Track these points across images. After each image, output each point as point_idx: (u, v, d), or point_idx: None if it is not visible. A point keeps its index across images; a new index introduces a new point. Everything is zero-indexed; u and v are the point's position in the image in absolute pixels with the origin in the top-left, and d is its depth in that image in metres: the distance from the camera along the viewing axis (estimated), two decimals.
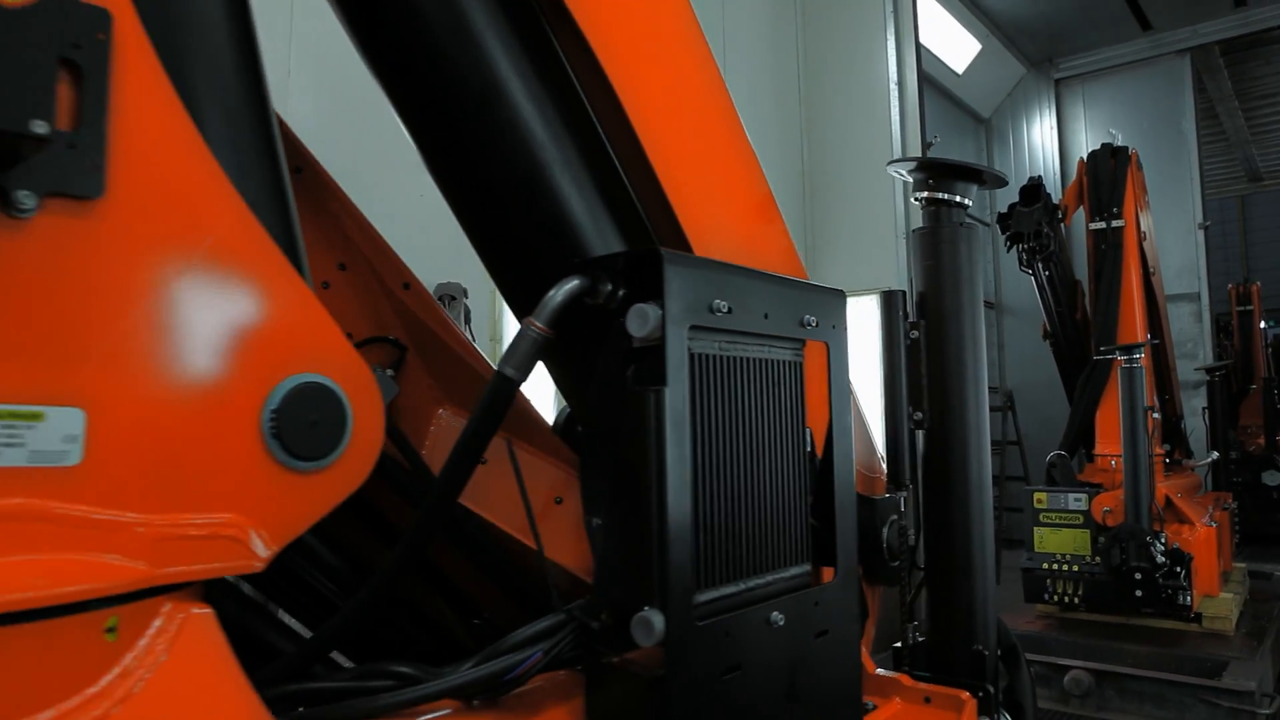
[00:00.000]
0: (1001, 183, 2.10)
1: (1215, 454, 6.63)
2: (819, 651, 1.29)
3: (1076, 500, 5.01)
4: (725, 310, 1.15)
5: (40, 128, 0.69)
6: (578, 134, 1.41)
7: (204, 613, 0.86)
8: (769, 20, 6.84)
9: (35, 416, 0.75)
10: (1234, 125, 12.79)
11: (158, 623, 0.82)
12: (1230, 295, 9.86)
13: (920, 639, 1.91)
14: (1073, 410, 5.56)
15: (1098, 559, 4.92)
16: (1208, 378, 7.93)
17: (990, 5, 9.19)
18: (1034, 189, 5.44)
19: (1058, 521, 5.08)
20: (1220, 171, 14.49)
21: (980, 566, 1.87)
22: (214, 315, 0.88)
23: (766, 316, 1.24)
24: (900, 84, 6.57)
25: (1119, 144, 5.97)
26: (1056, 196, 6.08)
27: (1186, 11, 9.36)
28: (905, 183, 6.57)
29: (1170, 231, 8.99)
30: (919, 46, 6.66)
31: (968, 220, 1.98)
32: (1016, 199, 5.67)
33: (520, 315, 1.49)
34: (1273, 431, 8.94)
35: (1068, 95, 10.48)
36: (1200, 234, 9.51)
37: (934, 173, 1.92)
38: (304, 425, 0.91)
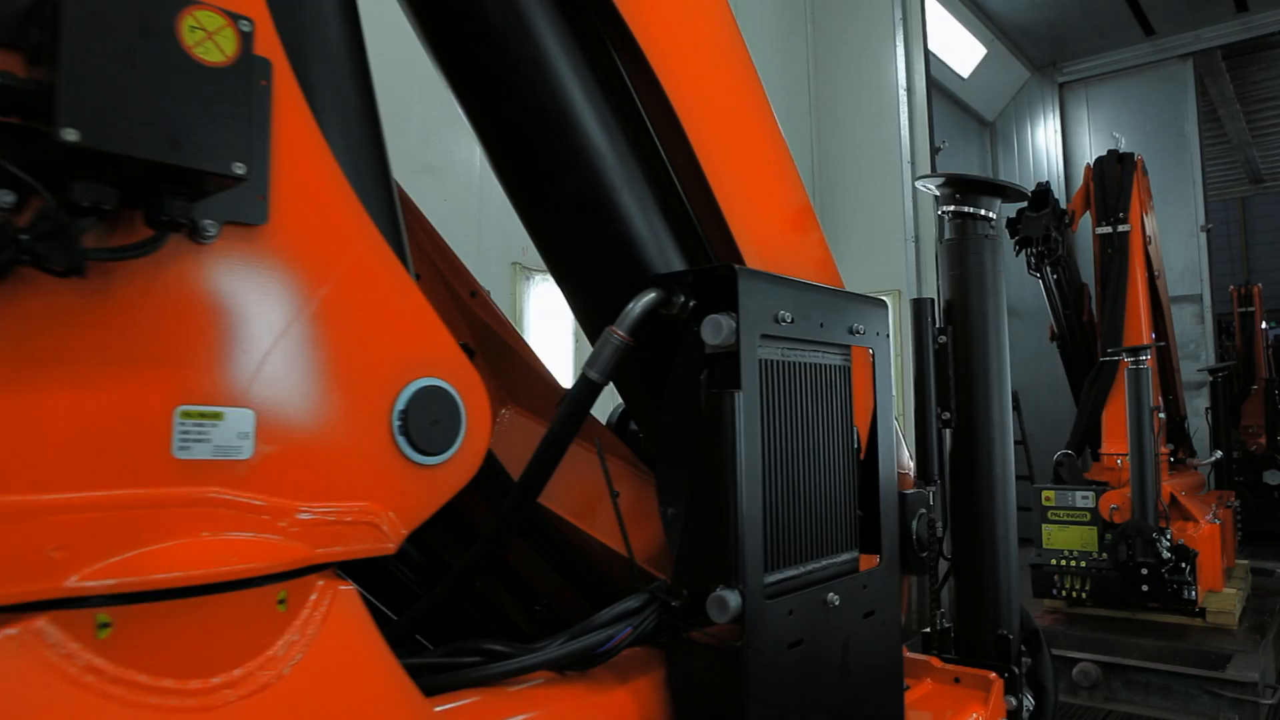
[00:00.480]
0: (1023, 197, 2.22)
1: (1219, 453, 6.76)
2: (867, 630, 1.41)
3: (1084, 498, 5.14)
4: (789, 320, 1.28)
5: (240, 169, 0.82)
6: (641, 156, 1.53)
7: (349, 588, 0.98)
8: (780, 26, 6.96)
9: (216, 416, 0.88)
10: (1235, 128, 12.92)
11: (314, 596, 0.94)
12: (1232, 297, 9.99)
13: (948, 625, 2.03)
14: (1079, 410, 5.68)
15: (1104, 555, 5.05)
16: (1210, 378, 8.05)
17: (995, 10, 9.31)
18: (1042, 194, 5.56)
19: (1065, 519, 5.21)
20: (1221, 173, 14.61)
21: (1004, 556, 1.99)
22: (353, 326, 1.00)
23: (822, 325, 1.37)
24: (909, 90, 6.69)
25: (1122, 148, 6.10)
26: (1061, 198, 6.20)
27: (1189, 17, 9.49)
28: (914, 186, 6.70)
29: (1173, 234, 9.11)
30: (927, 53, 6.79)
31: (991, 233, 2.10)
32: (1024, 204, 5.80)
33: (585, 324, 1.62)
34: (1274, 431, 9.07)
35: (1071, 99, 10.60)
36: (1203, 236, 9.63)
37: (960, 188, 2.05)
38: (427, 423, 1.04)
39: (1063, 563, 5.24)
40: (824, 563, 1.36)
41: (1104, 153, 6.03)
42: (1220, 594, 5.15)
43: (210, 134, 0.79)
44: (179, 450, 0.84)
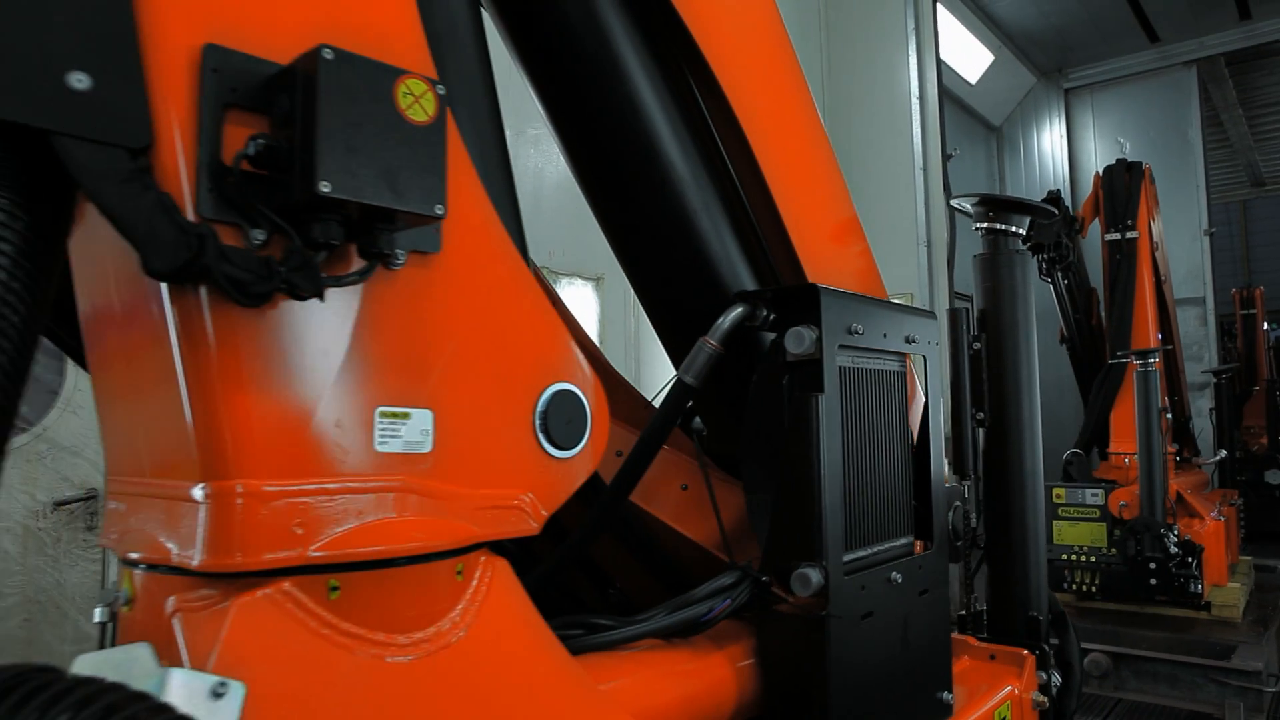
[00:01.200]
0: (1049, 215, 2.39)
1: (1224, 452, 6.93)
2: (922, 606, 1.58)
3: (1093, 495, 5.31)
4: (860, 332, 1.45)
5: (440, 210, 0.98)
6: (716, 181, 1.70)
7: (503, 561, 1.15)
8: (794, 34, 7.11)
9: (405, 415, 1.05)
10: (1238, 132, 13.09)
11: (480, 569, 1.11)
12: (1234, 299, 10.16)
13: (981, 608, 2.20)
14: (1088, 411, 5.85)
15: (1114, 550, 5.22)
16: (1214, 379, 8.22)
17: (1003, 17, 9.48)
18: (1053, 200, 5.73)
19: (1075, 515, 5.38)
20: (1224, 176, 14.77)
21: (1033, 544, 2.16)
22: (504, 337, 1.17)
23: (884, 335, 1.54)
24: (921, 98, 6.85)
25: (1127, 153, 6.27)
26: (1066, 200, 6.35)
27: (1193, 24, 9.65)
28: (926, 192, 6.87)
29: (1176, 238, 9.27)
30: (939, 61, 6.95)
31: (1021, 248, 2.27)
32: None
33: (665, 339, 1.79)
34: (1275, 432, 9.23)
35: (1077, 104, 10.77)
36: (1206, 240, 9.80)
37: (993, 207, 2.21)
38: (563, 422, 1.21)
39: (1073, 557, 5.41)
40: (887, 545, 1.52)
41: (1109, 157, 6.21)
42: (1225, 588, 5.32)
43: (419, 181, 0.96)
44: (379, 445, 1.01)
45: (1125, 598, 5.26)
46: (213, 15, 0.92)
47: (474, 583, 1.09)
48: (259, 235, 0.92)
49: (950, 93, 9.25)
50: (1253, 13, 9.33)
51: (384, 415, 1.02)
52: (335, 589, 0.95)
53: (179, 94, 0.89)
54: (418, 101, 0.96)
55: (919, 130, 6.84)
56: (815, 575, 1.33)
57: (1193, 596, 5.05)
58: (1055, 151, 10.79)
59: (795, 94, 1.93)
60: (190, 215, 0.87)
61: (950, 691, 1.67)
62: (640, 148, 1.58)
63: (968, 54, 9.42)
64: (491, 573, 1.12)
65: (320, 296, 0.92)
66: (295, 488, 0.93)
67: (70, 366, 3.67)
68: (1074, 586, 5.42)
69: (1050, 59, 10.50)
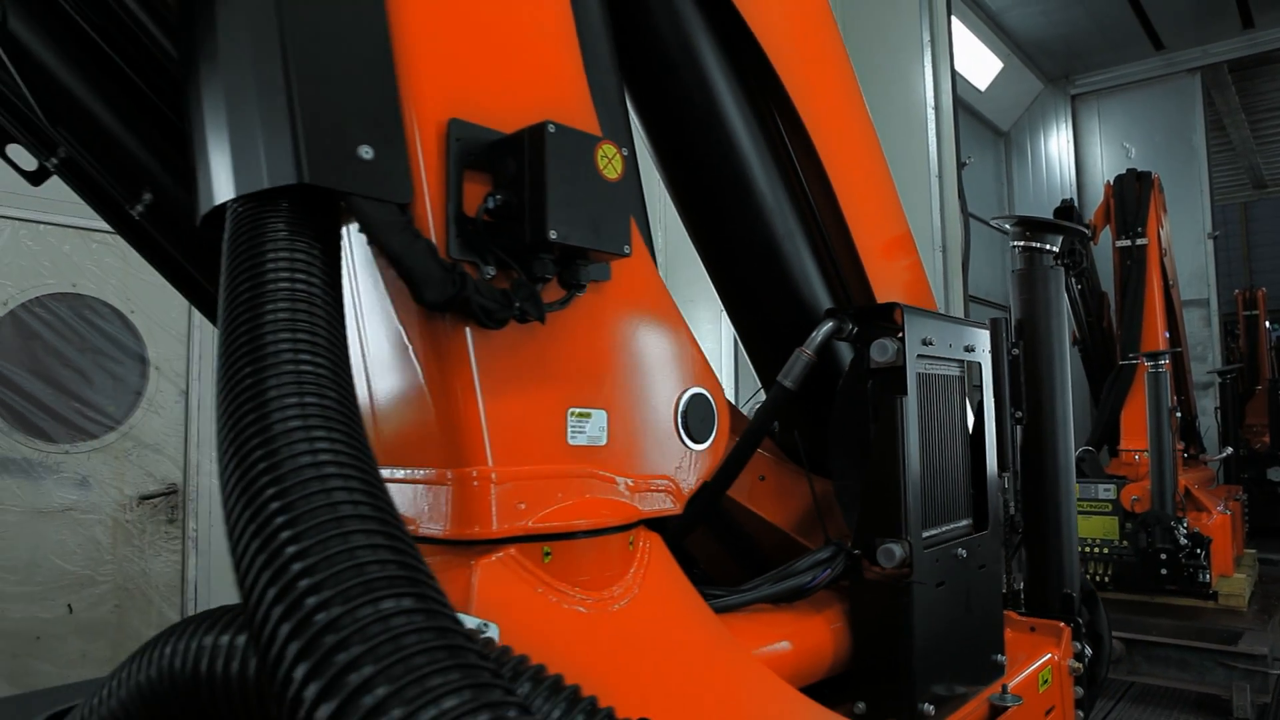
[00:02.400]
0: (1079, 234, 2.63)
1: (1230, 449, 7.18)
2: (981, 579, 1.83)
3: (1106, 490, 5.57)
4: (932, 343, 1.69)
5: (628, 250, 1.23)
6: (797, 209, 1.94)
7: (658, 536, 1.39)
8: None
9: (587, 415, 1.29)
10: (1240, 136, 13.33)
11: (644, 541, 1.35)
12: (1237, 300, 10.41)
13: (1018, 587, 2.45)
14: (1099, 410, 6.10)
15: (1125, 542, 5.47)
16: (1218, 379, 8.47)
17: (1012, 26, 9.71)
18: (1066, 210, 5.98)
19: (1088, 510, 5.63)
20: (1226, 179, 15.01)
21: (1066, 529, 2.41)
22: (655, 349, 1.41)
23: (950, 345, 1.78)
24: (936, 107, 7.09)
25: (1133, 157, 6.52)
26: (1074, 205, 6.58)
27: (1197, 32, 9.89)
28: (941, 199, 7.11)
29: (1181, 241, 9.51)
30: (954, 73, 7.19)
31: (1054, 264, 2.51)
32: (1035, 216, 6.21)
33: (752, 354, 2.03)
34: (1277, 430, 9.48)
35: (1083, 110, 11.01)
36: (1210, 243, 10.04)
37: (1030, 227, 2.46)
38: (698, 420, 1.45)
39: (1086, 550, 5.66)
40: (953, 525, 1.77)
41: (1115, 162, 6.47)
42: (1231, 579, 5.57)
43: (614, 227, 1.20)
44: (571, 439, 1.26)
45: (1137, 588, 5.51)
46: (457, 97, 1.17)
47: (640, 552, 1.34)
48: (490, 271, 1.16)
49: (961, 99, 9.48)
50: (1256, 21, 9.56)
51: (573, 415, 1.27)
52: (548, 554, 1.19)
53: (432, 159, 1.14)
54: (610, 163, 1.21)
55: (934, 139, 7.07)
56: (899, 549, 1.57)
57: (1201, 586, 5.30)
58: (1062, 156, 11.03)
59: (861, 122, 2.17)
60: (444, 257, 1.12)
61: (1003, 655, 1.91)
62: (735, 182, 1.83)
63: (978, 61, 9.67)
64: (651, 544, 1.36)
65: (543, 320, 1.17)
66: (520, 473, 1.17)
67: (153, 370, 3.92)
68: (1087, 577, 5.64)
69: (1058, 66, 10.74)
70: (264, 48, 1.06)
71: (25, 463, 3.50)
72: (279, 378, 0.87)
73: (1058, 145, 11.05)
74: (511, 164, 1.16)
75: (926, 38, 7.11)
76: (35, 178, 1.61)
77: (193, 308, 4.08)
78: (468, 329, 1.14)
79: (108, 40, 1.37)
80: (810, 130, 1.90)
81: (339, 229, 1.12)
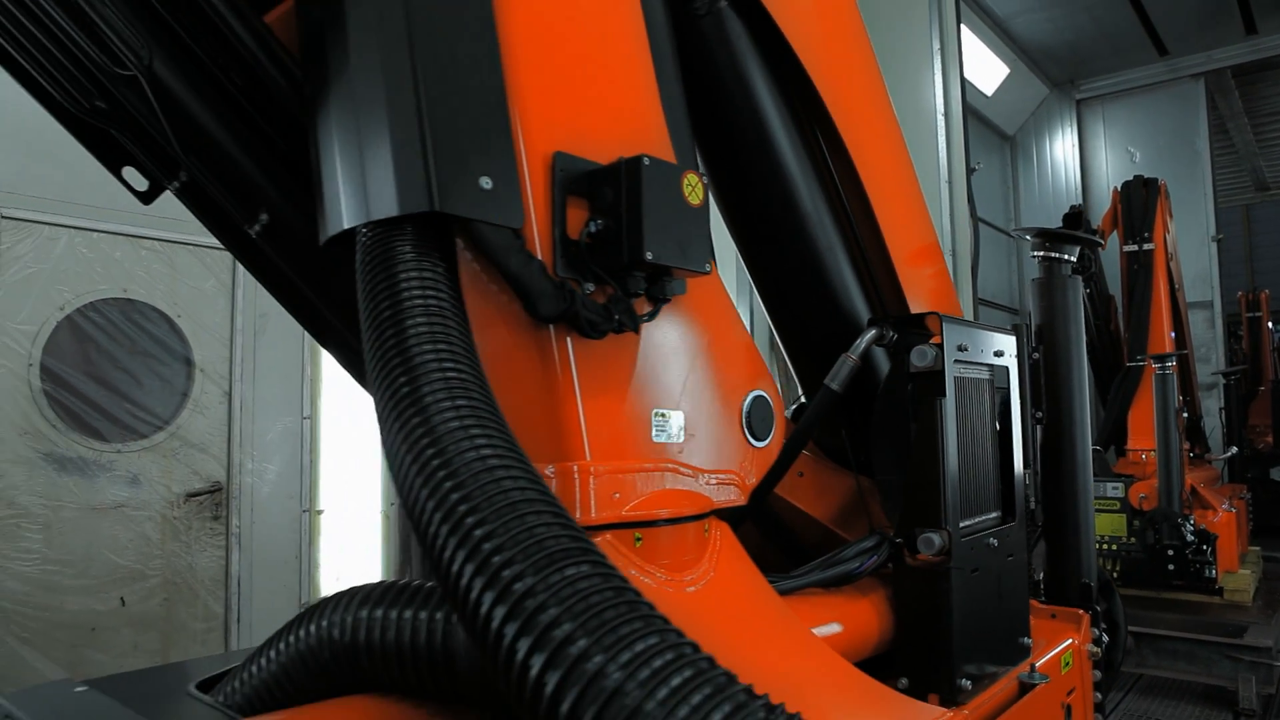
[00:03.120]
0: (1095, 245, 2.78)
1: (1235, 449, 7.33)
2: (1010, 567, 1.97)
3: (1114, 488, 5.71)
4: (966, 349, 1.84)
5: (709, 268, 1.38)
6: (837, 223, 2.09)
7: (726, 525, 1.54)
8: None
9: (668, 415, 1.44)
10: (1243, 140, 13.48)
11: (715, 529, 1.50)
12: (1240, 302, 10.55)
13: (1038, 577, 2.59)
14: (1107, 410, 6.25)
15: (1133, 539, 5.62)
16: (1222, 380, 8.60)
17: (1018, 32, 9.87)
18: (1076, 216, 6.14)
19: (1098, 507, 5.77)
20: (1228, 181, 15.15)
21: (1084, 523, 2.55)
22: (725, 356, 1.56)
23: (982, 351, 1.93)
24: (946, 114, 7.24)
25: (1137, 161, 6.66)
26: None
27: (1200, 38, 10.03)
28: (950, 204, 7.26)
29: (1185, 244, 9.63)
30: (964, 81, 7.34)
31: (1070, 273, 2.66)
32: (1038, 219, 6.35)
33: (793, 358, 2.18)
34: None
35: (1088, 115, 11.16)
36: (1213, 246, 10.18)
37: (1049, 239, 2.61)
38: (760, 419, 1.60)
39: (1095, 546, 5.78)
40: (985, 517, 1.92)
41: (1119, 165, 6.62)
42: (1236, 574, 5.72)
43: (698, 247, 1.35)
44: (654, 436, 1.41)
45: (1144, 583, 5.66)
46: (560, 132, 1.32)
47: (714, 538, 1.49)
48: (589, 287, 1.31)
49: (968, 104, 9.64)
50: (1259, 28, 9.71)
51: (657, 415, 1.42)
52: (639, 540, 1.34)
53: (540, 188, 1.29)
54: (694, 190, 1.36)
55: (944, 145, 7.22)
56: (938, 538, 1.72)
57: (1207, 582, 5.45)
58: (1067, 160, 11.17)
59: (893, 136, 2.32)
60: (552, 275, 1.27)
61: (1029, 638, 2.06)
62: (783, 202, 1.98)
63: (985, 67, 9.82)
64: (721, 531, 1.51)
65: (637, 331, 1.32)
66: (614, 467, 1.32)
67: (198, 373, 4.07)
68: None
69: (1063, 71, 10.88)
70: (398, 90, 1.21)
71: (81, 461, 3.66)
72: (431, 384, 1.02)
73: (1063, 149, 11.20)
74: (609, 192, 1.31)
75: (936, 46, 7.27)
76: (146, 197, 1.76)
77: (236, 312, 4.25)
78: (569, 339, 1.29)
79: (231, 78, 1.52)
80: (850, 148, 2.05)
81: (453, 250, 1.27)
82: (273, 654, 1.19)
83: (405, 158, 1.19)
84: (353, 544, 4.68)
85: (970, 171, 7.11)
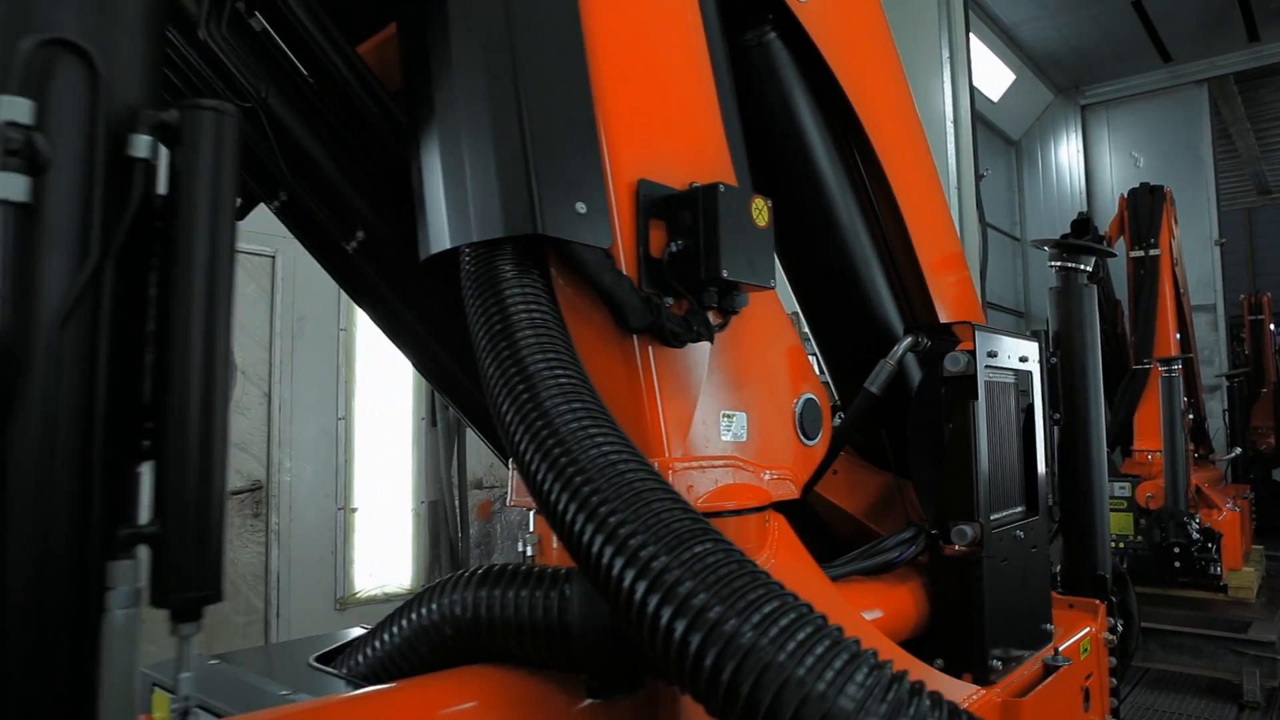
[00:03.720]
0: (1109, 255, 2.92)
1: (1239, 449, 7.48)
2: (1034, 558, 2.12)
3: (1121, 488, 5.86)
4: (995, 355, 1.99)
5: (772, 284, 1.52)
6: (871, 235, 2.24)
7: (782, 516, 1.69)
8: None
9: (733, 416, 1.59)
10: (1245, 144, 13.62)
11: (773, 520, 1.65)
12: (1242, 305, 10.70)
13: (1056, 569, 2.74)
14: (1114, 412, 6.39)
15: (1140, 538, 5.77)
16: (1226, 382, 8.75)
17: (1025, 39, 10.02)
18: (1083, 222, 6.29)
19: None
20: (1231, 185, 15.28)
21: (1100, 517, 2.70)
22: (781, 363, 1.71)
23: (1009, 357, 2.08)
24: (955, 121, 7.38)
25: (1141, 166, 6.80)
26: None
27: (1204, 45, 10.18)
28: (959, 210, 7.40)
29: (1188, 248, 9.75)
30: (972, 88, 7.48)
31: (1086, 282, 2.80)
32: (1043, 224, 6.48)
33: (830, 364, 2.32)
34: None
35: (1093, 120, 11.31)
36: (1216, 250, 10.32)
37: (1066, 250, 2.76)
38: (810, 420, 1.75)
39: (1110, 541, 5.94)
40: (1012, 511, 2.07)
41: (1124, 170, 6.76)
42: (1240, 572, 5.87)
43: (764, 265, 1.50)
44: (722, 435, 1.56)
45: (1151, 580, 5.80)
46: (643, 161, 1.47)
47: (772, 529, 1.64)
48: (669, 301, 1.46)
49: (974, 110, 9.78)
50: (1261, 35, 9.85)
51: (724, 415, 1.57)
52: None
53: (626, 212, 1.44)
54: (761, 212, 1.51)
55: (953, 151, 7.36)
56: (971, 530, 1.87)
57: (1212, 579, 5.60)
58: (1072, 164, 11.32)
59: (921, 148, 2.46)
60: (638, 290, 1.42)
61: (1051, 624, 2.21)
62: (823, 219, 2.13)
63: (991, 73, 9.97)
64: (779, 522, 1.66)
65: (712, 341, 1.47)
66: (688, 463, 1.47)
67: (239, 374, 4.22)
68: None
69: (1068, 77, 11.03)
70: (504, 119, 1.35)
71: None
72: (548, 389, 1.17)
73: (1068, 154, 11.35)
74: (687, 215, 1.45)
75: (945, 54, 7.41)
76: (239, 213, 1.91)
77: (275, 316, 4.39)
78: (650, 348, 1.44)
79: (330, 106, 1.67)
80: (884, 164, 2.20)
81: (547, 268, 1.41)
82: (395, 629, 1.33)
83: (511, 183, 1.33)
84: (385, 540, 4.83)
85: (979, 178, 7.25)
